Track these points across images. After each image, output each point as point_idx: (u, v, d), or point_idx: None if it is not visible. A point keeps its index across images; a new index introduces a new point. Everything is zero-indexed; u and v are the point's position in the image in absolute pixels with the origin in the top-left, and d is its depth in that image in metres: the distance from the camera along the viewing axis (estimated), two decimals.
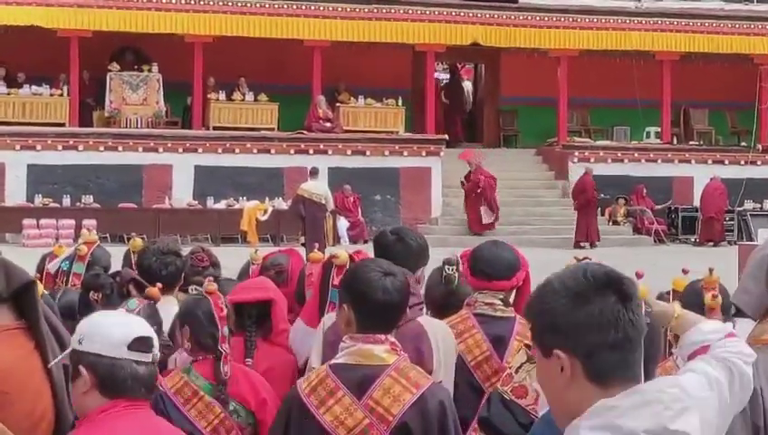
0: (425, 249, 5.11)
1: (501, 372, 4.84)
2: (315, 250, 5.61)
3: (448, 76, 37.68)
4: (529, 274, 5.31)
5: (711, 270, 4.62)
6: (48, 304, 4.10)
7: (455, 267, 5.45)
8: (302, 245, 21.58)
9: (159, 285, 5.61)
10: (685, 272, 4.80)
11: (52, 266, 6.60)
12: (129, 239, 7.25)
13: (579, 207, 28.69)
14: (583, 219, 28.60)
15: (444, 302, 5.58)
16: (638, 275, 3.61)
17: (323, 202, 22.49)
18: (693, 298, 4.56)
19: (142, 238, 7.29)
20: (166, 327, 5.79)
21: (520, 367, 4.51)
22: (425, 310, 5.22)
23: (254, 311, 5.19)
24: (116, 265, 6.57)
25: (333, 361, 3.99)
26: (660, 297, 4.06)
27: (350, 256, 4.90)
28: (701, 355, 3.55)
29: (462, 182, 28.30)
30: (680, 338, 3.67)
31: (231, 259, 8.24)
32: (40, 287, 4.06)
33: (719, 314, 4.35)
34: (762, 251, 4.22)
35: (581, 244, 27.89)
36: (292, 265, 5.98)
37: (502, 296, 5.24)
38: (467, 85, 37.14)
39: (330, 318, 4.76)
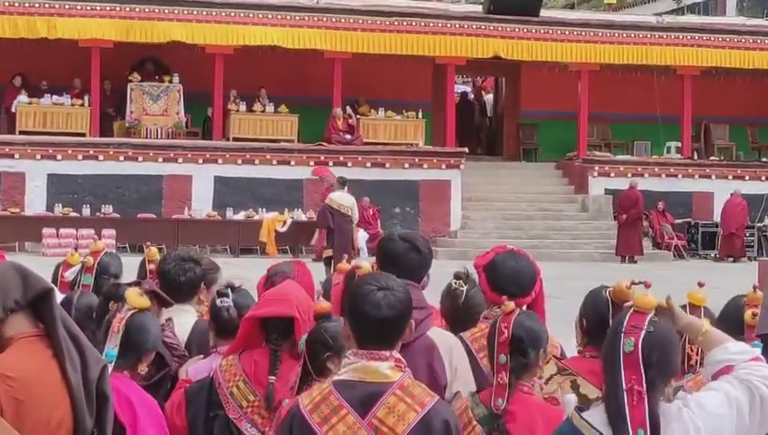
0: (431, 256, 5.03)
1: None
2: (344, 261, 5.52)
3: (470, 90, 37.67)
4: (542, 282, 5.23)
5: (755, 287, 4.60)
6: (66, 306, 4.06)
7: (461, 281, 5.36)
8: (326, 258, 21.44)
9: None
10: (700, 285, 4.76)
11: (69, 274, 6.59)
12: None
13: (627, 221, 28.63)
14: (629, 233, 28.61)
15: (454, 315, 5.51)
16: (646, 285, 3.57)
17: (350, 214, 22.44)
18: (731, 313, 4.56)
19: (159, 248, 7.26)
20: (183, 337, 5.77)
21: (550, 378, 4.50)
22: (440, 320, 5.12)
23: (279, 323, 4.98)
24: (134, 275, 6.56)
25: (336, 377, 3.93)
26: None
27: (373, 268, 4.84)
28: (724, 375, 3.53)
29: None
30: (706, 355, 3.66)
31: (250, 270, 8.25)
32: (57, 294, 4.06)
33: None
34: None
35: (624, 258, 28.12)
36: (297, 276, 5.83)
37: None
38: (489, 99, 37.11)
39: None
